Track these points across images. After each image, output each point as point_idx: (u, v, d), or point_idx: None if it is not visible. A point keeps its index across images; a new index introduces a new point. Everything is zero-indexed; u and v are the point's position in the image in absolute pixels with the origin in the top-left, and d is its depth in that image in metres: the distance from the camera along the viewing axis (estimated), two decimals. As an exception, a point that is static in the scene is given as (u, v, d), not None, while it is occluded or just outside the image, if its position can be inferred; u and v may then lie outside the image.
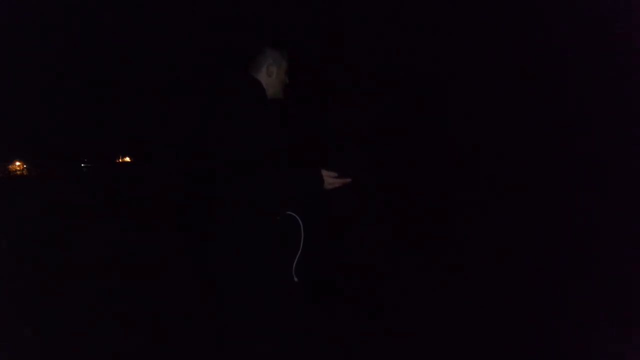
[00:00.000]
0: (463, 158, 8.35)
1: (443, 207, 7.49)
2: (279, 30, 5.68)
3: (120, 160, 53.54)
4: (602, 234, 5.26)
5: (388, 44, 6.32)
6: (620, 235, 5.08)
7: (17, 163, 47.05)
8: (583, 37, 6.40)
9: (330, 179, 1.88)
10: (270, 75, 2.00)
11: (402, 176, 8.01)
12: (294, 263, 1.88)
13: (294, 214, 1.90)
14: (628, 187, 5.93)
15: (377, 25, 5.78)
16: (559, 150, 7.35)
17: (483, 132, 8.15)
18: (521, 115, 7.68)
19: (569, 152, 7.19)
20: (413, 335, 3.21)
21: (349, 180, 1.90)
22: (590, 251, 4.84)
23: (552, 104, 7.46)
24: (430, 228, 6.55)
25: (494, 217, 6.60)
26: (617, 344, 2.89)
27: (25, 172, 44.84)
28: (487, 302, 3.78)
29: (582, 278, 4.17)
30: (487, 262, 4.91)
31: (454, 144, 8.41)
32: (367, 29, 5.67)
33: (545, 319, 3.40)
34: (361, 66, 5.72)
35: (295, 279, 1.89)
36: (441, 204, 7.64)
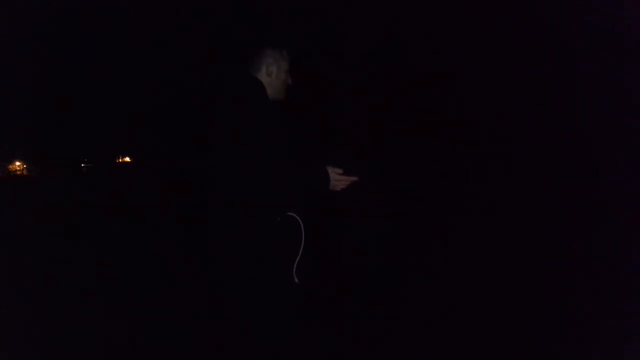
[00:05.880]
0: (463, 158, 8.35)
1: (444, 207, 7.50)
2: (280, 31, 5.67)
3: (120, 160, 53.54)
4: (601, 233, 5.26)
5: (389, 44, 6.32)
6: (620, 235, 5.07)
7: (17, 163, 47.04)
8: (582, 36, 6.39)
9: (337, 176, 1.87)
10: (269, 75, 1.99)
11: (403, 177, 8.01)
12: (295, 264, 1.88)
13: (295, 215, 1.89)
14: (628, 187, 5.92)
15: (378, 26, 5.77)
16: (559, 151, 7.34)
17: (483, 132, 8.15)
18: (522, 116, 7.68)
19: (569, 153, 7.18)
20: (414, 335, 3.21)
21: (355, 178, 1.89)
22: (589, 251, 4.84)
23: (552, 106, 7.45)
24: (431, 228, 6.55)
25: (494, 216, 6.60)
26: (617, 343, 2.89)
27: (25, 172, 44.84)
28: (487, 302, 3.78)
29: (580, 277, 4.17)
30: (488, 262, 4.90)
31: (454, 145, 8.41)
32: (368, 29, 5.67)
33: (546, 320, 3.40)
34: (362, 66, 5.72)
35: (296, 280, 1.88)
36: (442, 204, 7.64)
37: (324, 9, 5.74)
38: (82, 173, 40.14)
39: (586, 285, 3.95)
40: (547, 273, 4.50)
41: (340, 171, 1.87)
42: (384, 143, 7.25)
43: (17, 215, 10.95)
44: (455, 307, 3.70)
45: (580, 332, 3.12)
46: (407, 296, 4.02)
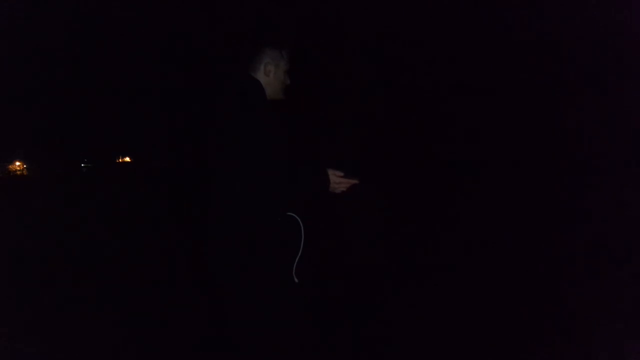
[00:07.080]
0: (462, 158, 8.36)
1: (444, 207, 7.50)
2: (279, 30, 5.67)
3: (120, 160, 53.49)
4: (599, 231, 5.27)
5: (388, 44, 6.32)
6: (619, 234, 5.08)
7: (17, 163, 46.97)
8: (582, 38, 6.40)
9: (337, 179, 1.87)
10: (268, 75, 1.98)
11: (402, 177, 8.02)
12: (295, 264, 1.88)
13: (295, 215, 1.89)
14: (627, 187, 5.92)
15: (376, 26, 5.78)
16: (558, 151, 7.34)
17: (482, 132, 8.15)
18: (520, 116, 7.68)
19: (569, 154, 7.19)
20: (414, 335, 3.21)
21: (356, 181, 1.89)
22: (587, 250, 4.84)
23: (552, 105, 7.46)
24: (430, 228, 6.55)
25: (494, 216, 6.60)
26: (617, 344, 2.89)
27: (25, 172, 44.77)
28: (486, 302, 3.77)
29: (579, 277, 4.17)
30: (488, 260, 4.90)
31: (454, 145, 8.40)
32: (367, 30, 5.67)
33: (545, 319, 3.40)
34: (362, 67, 5.72)
35: (296, 280, 1.88)
36: (442, 204, 7.64)
37: (322, 9, 5.74)
38: (82, 173, 40.10)
39: (585, 285, 3.95)
40: (546, 271, 4.49)
41: (341, 174, 1.87)
42: (385, 144, 7.25)
43: (17, 215, 10.94)
44: (455, 306, 3.70)
45: (580, 333, 3.12)
46: (407, 296, 4.02)
